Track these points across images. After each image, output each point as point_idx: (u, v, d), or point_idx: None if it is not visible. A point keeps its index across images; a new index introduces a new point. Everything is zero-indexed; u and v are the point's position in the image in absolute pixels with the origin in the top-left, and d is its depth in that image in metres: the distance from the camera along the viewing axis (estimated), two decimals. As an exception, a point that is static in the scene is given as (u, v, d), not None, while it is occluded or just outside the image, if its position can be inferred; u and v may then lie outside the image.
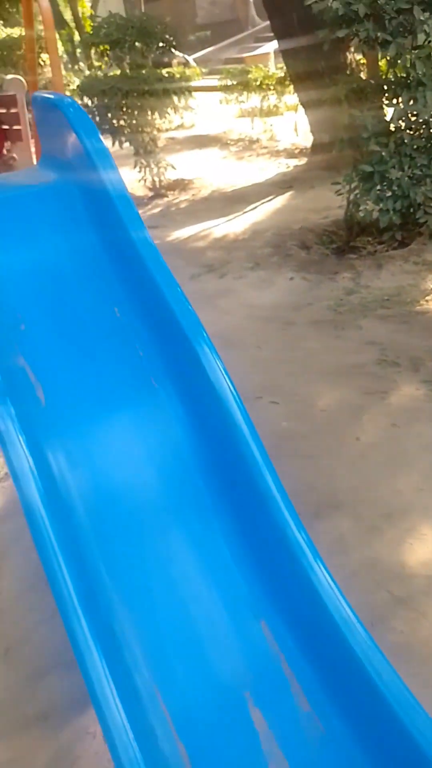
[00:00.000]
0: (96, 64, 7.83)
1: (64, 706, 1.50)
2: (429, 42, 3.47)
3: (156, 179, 6.31)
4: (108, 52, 5.87)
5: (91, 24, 10.50)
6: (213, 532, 1.44)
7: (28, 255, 1.77)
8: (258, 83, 8.69)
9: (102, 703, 1.05)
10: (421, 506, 2.02)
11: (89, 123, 1.76)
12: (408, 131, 3.89)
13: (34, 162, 2.98)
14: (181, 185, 6.62)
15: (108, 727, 1.03)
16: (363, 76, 5.30)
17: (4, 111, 5.57)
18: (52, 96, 1.95)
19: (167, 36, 5.97)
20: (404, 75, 3.81)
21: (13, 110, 5.61)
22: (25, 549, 1.90)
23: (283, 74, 8.06)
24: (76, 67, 12.19)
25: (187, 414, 1.57)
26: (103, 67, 7.20)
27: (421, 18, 3.36)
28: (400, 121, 3.85)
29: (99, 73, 7.19)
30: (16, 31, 10.13)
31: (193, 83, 6.50)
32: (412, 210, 3.78)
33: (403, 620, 1.63)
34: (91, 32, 7.25)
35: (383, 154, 3.73)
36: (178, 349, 1.54)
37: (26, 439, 1.33)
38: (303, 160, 7.10)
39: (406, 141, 3.79)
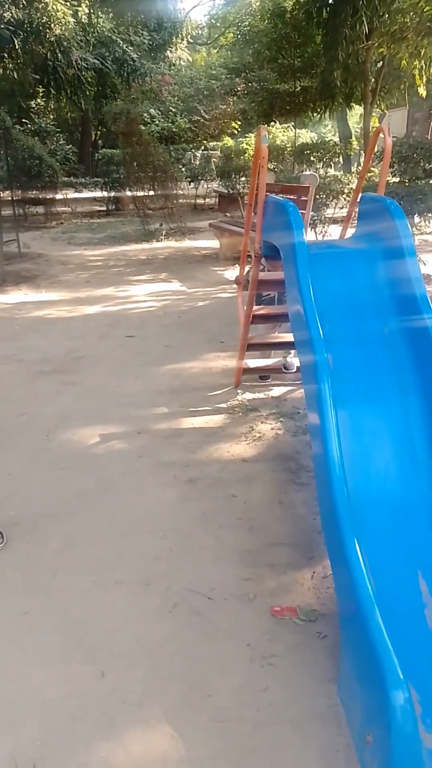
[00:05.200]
0: (374, 171, 9.19)
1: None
2: None
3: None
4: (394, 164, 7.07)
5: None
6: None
7: (339, 289, 2.76)
8: None
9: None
10: None
11: (402, 214, 2.72)
12: None
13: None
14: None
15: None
16: None
17: (294, 197, 7.02)
18: (379, 196, 2.98)
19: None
20: None
21: (303, 198, 7.06)
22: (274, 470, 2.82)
23: None
24: (352, 170, 13.99)
25: (421, 409, 2.36)
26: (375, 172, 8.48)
27: None
28: None
29: (374, 179, 8.49)
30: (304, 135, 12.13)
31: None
32: None
33: None
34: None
35: None
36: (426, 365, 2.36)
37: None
38: None
39: None
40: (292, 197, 6.93)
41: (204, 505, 2.76)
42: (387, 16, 10.79)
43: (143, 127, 12.40)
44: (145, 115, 13.31)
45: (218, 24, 28.90)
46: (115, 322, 5.79)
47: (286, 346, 3.81)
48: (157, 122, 13.78)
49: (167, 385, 4.14)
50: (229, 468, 3.07)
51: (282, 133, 17.34)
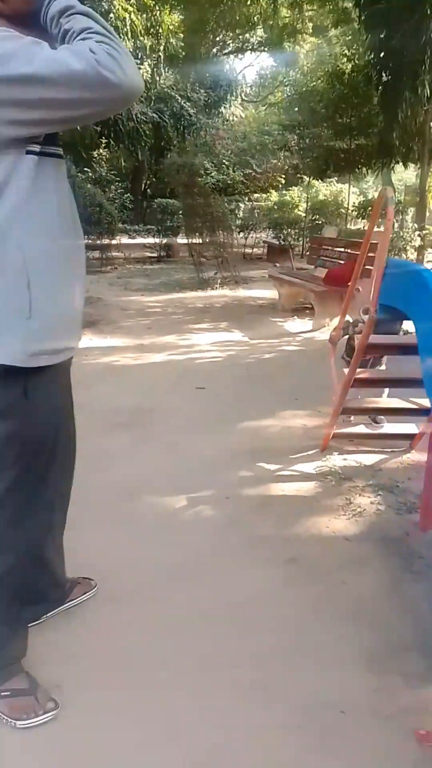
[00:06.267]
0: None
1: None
2: None
3: None
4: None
5: None
6: None
7: None
8: None
9: None
10: None
11: None
12: None
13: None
14: None
15: None
16: None
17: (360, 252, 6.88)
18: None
19: None
20: None
21: (371, 254, 6.91)
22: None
23: None
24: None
25: None
26: None
27: None
28: None
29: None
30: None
31: None
32: None
33: None
34: None
35: None
36: None
37: None
38: None
39: None
40: (357, 252, 6.80)
41: (311, 591, 2.48)
42: (448, 78, 10.87)
43: (199, 179, 12.66)
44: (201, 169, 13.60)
45: (266, 83, 30.07)
46: (182, 372, 5.63)
47: (387, 412, 3.56)
48: (212, 175, 14.07)
49: (248, 446, 3.90)
50: (332, 548, 2.78)
51: (325, 188, 17.44)
